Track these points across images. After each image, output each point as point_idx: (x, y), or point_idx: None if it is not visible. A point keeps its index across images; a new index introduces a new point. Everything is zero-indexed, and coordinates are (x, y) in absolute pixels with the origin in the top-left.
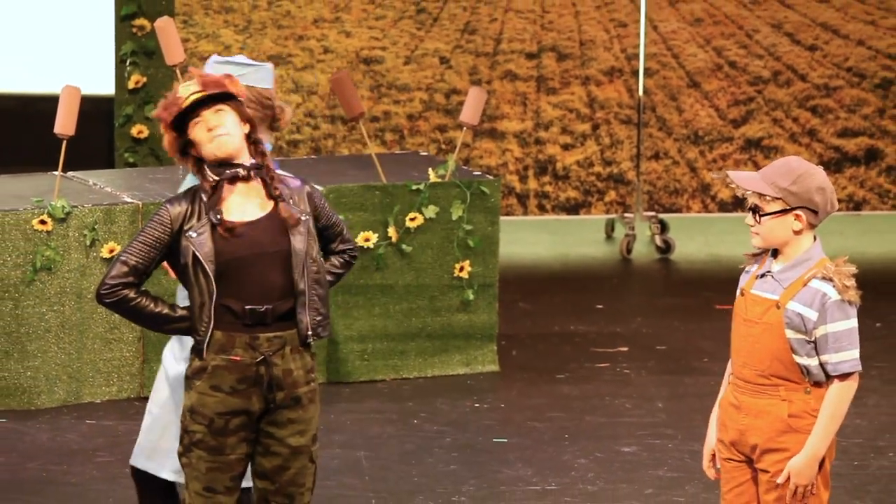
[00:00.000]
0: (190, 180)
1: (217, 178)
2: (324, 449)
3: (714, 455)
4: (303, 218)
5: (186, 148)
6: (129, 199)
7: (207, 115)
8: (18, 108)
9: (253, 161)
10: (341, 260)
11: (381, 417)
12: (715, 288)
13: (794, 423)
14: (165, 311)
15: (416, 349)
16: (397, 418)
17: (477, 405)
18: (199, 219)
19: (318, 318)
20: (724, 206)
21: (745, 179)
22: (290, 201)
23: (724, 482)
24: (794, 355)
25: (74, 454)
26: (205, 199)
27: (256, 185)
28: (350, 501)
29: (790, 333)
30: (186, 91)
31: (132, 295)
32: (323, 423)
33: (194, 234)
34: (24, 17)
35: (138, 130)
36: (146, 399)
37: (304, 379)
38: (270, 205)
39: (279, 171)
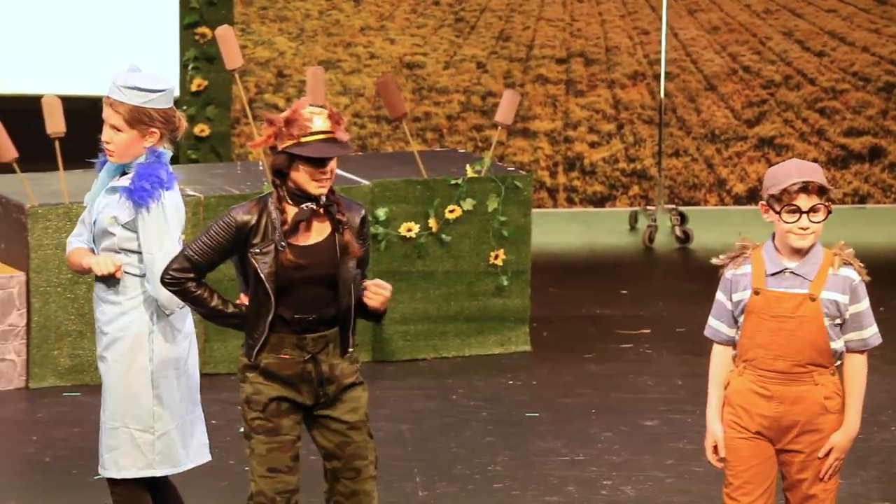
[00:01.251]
0: (103, 178)
1: (297, 213)
2: (370, 422)
3: (716, 444)
4: (358, 246)
5: (285, 171)
6: (191, 192)
7: (332, 165)
8: (91, 109)
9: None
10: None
11: (423, 393)
12: None
13: (829, 404)
14: (220, 306)
15: (455, 330)
16: (437, 394)
17: (511, 382)
18: (264, 238)
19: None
20: (738, 200)
21: (818, 174)
22: (350, 229)
23: (739, 461)
24: (830, 342)
25: None
26: (274, 216)
27: (322, 210)
28: (395, 470)
29: (828, 321)
30: (322, 124)
31: (192, 287)
32: (369, 399)
33: (259, 253)
34: (97, 27)
35: (200, 129)
36: (208, 375)
37: (349, 370)
38: (328, 228)
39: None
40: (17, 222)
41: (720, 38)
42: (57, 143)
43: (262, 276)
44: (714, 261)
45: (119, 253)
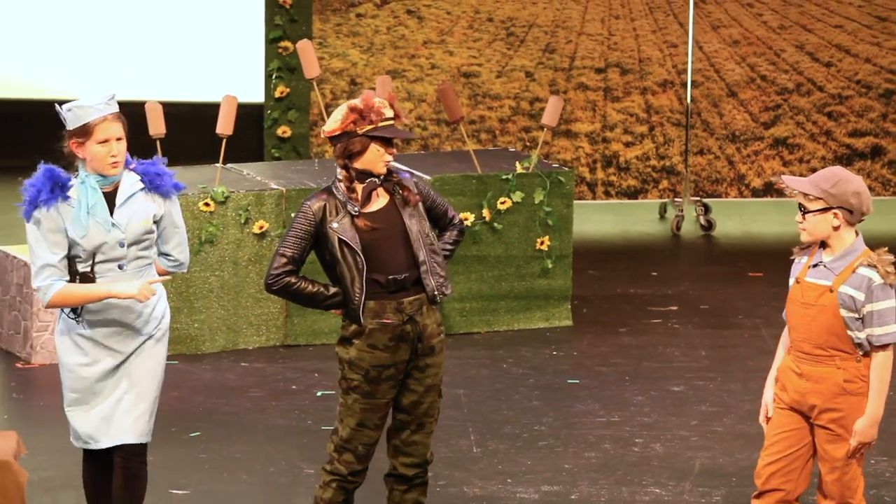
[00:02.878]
0: (87, 199)
1: (365, 186)
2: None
3: (767, 407)
4: (417, 201)
5: (355, 156)
6: (275, 186)
7: (385, 149)
8: (189, 113)
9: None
10: (451, 234)
11: (477, 362)
12: (748, 259)
13: (848, 386)
14: (321, 290)
15: (505, 307)
16: (490, 363)
17: (554, 353)
18: (337, 213)
19: (440, 280)
20: (756, 193)
21: (794, 182)
22: (404, 191)
23: (773, 426)
24: (848, 331)
25: (231, 390)
26: (340, 197)
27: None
28: (452, 429)
29: (844, 312)
30: (389, 112)
31: (293, 280)
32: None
33: (337, 225)
34: (194, 42)
35: (283, 131)
36: (290, 346)
37: (436, 331)
38: (387, 197)
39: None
40: None
41: (740, 50)
42: (158, 144)
43: (346, 240)
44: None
45: (152, 248)
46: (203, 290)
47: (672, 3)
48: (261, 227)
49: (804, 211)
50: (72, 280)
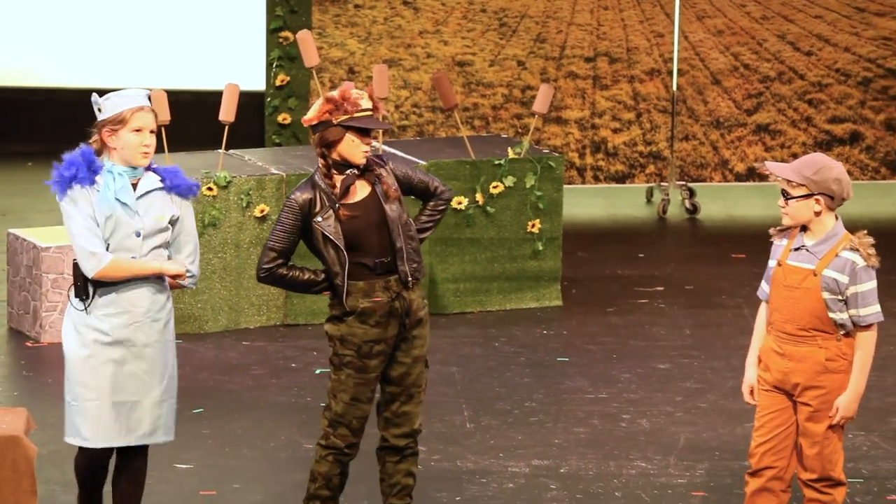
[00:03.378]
0: (114, 183)
1: (343, 178)
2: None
3: (752, 389)
4: (395, 188)
5: (334, 142)
6: (275, 171)
7: (361, 140)
8: (193, 101)
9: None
10: (434, 205)
11: (470, 341)
12: (732, 241)
13: (830, 365)
14: (312, 277)
15: (497, 288)
16: (482, 341)
17: (545, 332)
18: (322, 206)
19: (415, 266)
20: (739, 177)
21: (777, 168)
22: (382, 178)
23: (760, 407)
24: (829, 312)
25: (233, 368)
26: (324, 187)
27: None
28: (446, 405)
29: (826, 295)
30: (367, 103)
31: (283, 271)
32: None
33: (321, 219)
34: (198, 33)
35: (283, 118)
36: (289, 326)
37: (421, 304)
38: (368, 186)
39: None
40: None
41: (724, 39)
42: (163, 130)
43: (329, 236)
44: (771, 231)
45: (164, 251)
46: (206, 272)
47: None
48: (262, 211)
49: (787, 196)
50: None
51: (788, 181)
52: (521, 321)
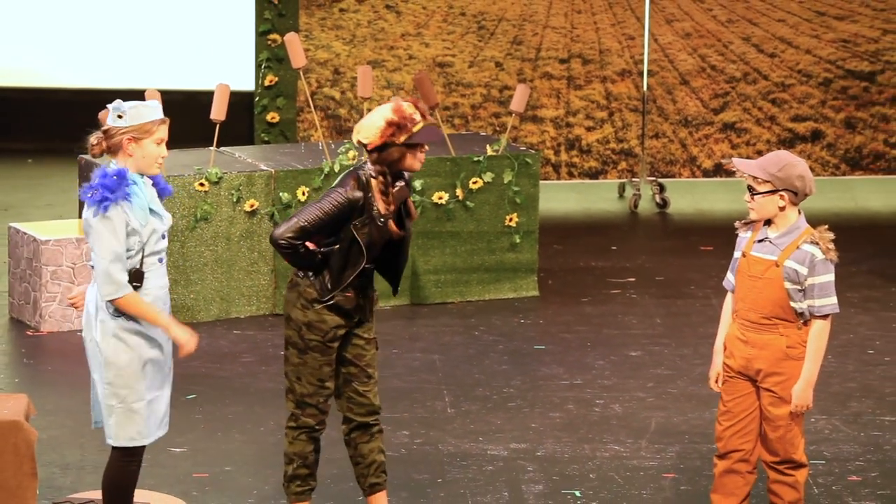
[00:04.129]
0: (146, 192)
1: (397, 192)
2: (407, 353)
3: (718, 376)
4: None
5: (393, 164)
6: (264, 168)
7: (420, 153)
8: (185, 100)
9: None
10: None
11: (451, 330)
12: (700, 234)
13: (791, 352)
14: (318, 258)
15: (477, 279)
16: (463, 330)
17: (522, 321)
18: (365, 212)
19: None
20: (706, 173)
21: (744, 165)
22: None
23: (726, 393)
24: (790, 301)
25: (225, 356)
26: (369, 195)
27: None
28: (427, 392)
29: (788, 285)
30: (419, 117)
31: (302, 250)
32: (406, 334)
33: (360, 225)
34: (190, 35)
35: (272, 117)
36: (278, 315)
37: (375, 297)
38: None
39: None
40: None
41: (692, 42)
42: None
43: (361, 242)
44: (736, 224)
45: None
46: (198, 264)
47: None
48: (251, 206)
49: (753, 192)
50: None
51: (754, 177)
52: (499, 311)
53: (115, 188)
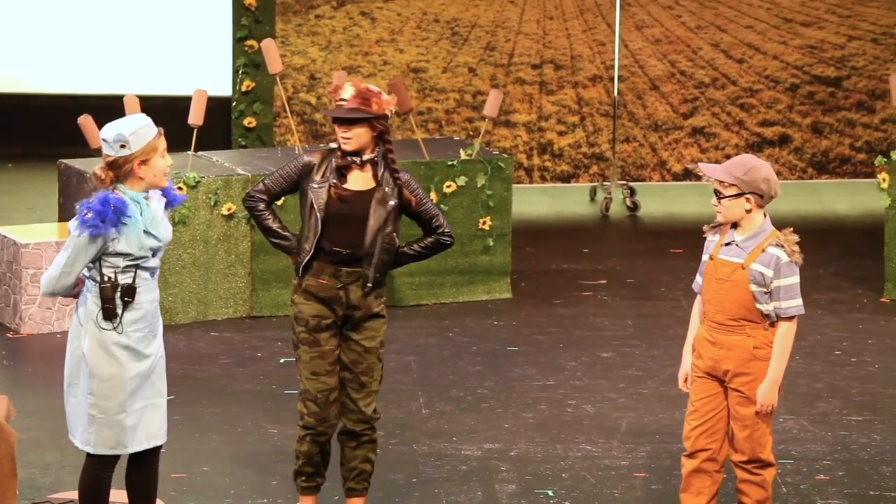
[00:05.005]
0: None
1: (340, 161)
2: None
3: (686, 377)
4: (391, 203)
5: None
6: (241, 172)
7: (353, 129)
8: (163, 106)
9: (371, 156)
10: (431, 240)
11: (425, 332)
12: (670, 237)
13: (758, 353)
14: (277, 227)
15: (451, 281)
16: (437, 332)
17: (495, 322)
18: (323, 176)
19: (377, 276)
20: (676, 177)
21: (710, 169)
22: (388, 188)
23: (694, 393)
24: (756, 303)
25: (202, 357)
26: (335, 163)
27: (369, 169)
28: (402, 393)
29: (754, 287)
30: (343, 93)
31: (262, 207)
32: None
33: (316, 187)
34: (168, 41)
35: (248, 121)
36: (255, 318)
37: (376, 303)
38: (372, 183)
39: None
40: None
41: (662, 48)
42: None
43: (314, 205)
44: (704, 227)
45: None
46: (176, 267)
47: (600, 5)
48: (229, 209)
49: (720, 196)
50: (113, 292)
51: (721, 181)
52: (473, 313)
53: (108, 219)
